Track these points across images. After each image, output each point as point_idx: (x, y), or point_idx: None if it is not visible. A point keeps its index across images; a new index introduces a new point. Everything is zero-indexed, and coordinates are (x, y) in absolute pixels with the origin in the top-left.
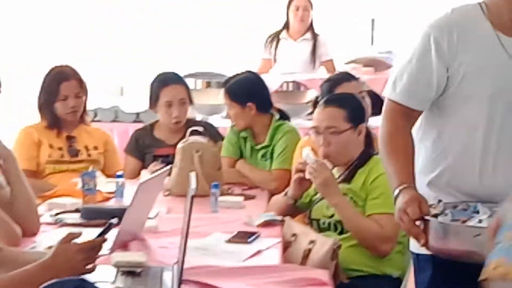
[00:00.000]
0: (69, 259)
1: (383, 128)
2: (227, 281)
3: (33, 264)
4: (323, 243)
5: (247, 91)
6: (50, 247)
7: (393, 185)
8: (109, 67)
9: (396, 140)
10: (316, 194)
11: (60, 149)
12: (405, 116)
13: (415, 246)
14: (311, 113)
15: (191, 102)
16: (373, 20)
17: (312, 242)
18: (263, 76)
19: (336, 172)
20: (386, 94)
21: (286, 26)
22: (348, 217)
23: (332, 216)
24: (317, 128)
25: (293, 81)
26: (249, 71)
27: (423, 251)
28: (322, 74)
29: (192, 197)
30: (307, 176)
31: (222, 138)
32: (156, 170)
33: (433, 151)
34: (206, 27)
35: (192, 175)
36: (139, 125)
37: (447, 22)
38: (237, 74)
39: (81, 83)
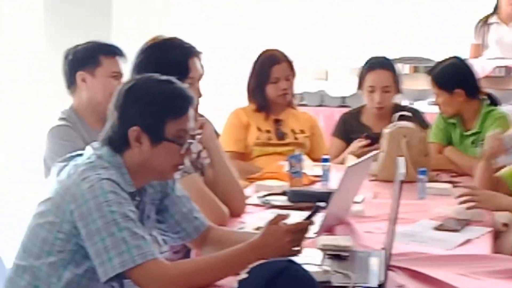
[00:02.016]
0: (277, 240)
1: None
2: (435, 269)
3: (242, 244)
4: None
5: (455, 77)
6: (258, 228)
7: None
8: (314, 50)
9: None
10: None
11: (267, 131)
12: None
13: None
14: None
15: (398, 90)
16: None
17: None
18: (473, 62)
19: None
20: None
21: (497, 10)
22: None
23: None
24: None
25: (505, 66)
26: (455, 57)
27: None
28: None
29: (401, 182)
30: None
31: (427, 125)
32: (363, 149)
33: None
34: (412, 11)
35: (401, 160)
36: (345, 110)
37: None
38: (443, 61)
39: (290, 66)
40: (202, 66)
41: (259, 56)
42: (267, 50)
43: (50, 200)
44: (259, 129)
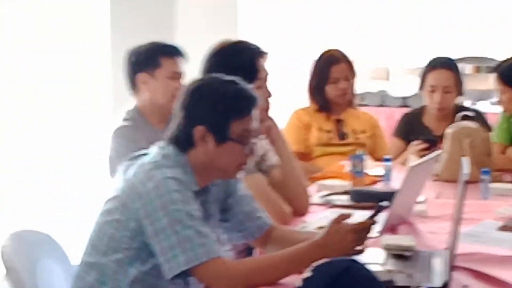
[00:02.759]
0: (340, 239)
1: None
2: (499, 270)
3: (305, 243)
4: None
5: None
6: (320, 228)
7: None
8: (376, 50)
9: None
10: None
11: (328, 132)
12: None
13: None
14: None
15: (459, 91)
16: None
17: None
18: None
19: None
20: None
21: None
22: None
23: None
24: None
25: None
26: None
27: None
28: None
29: (465, 182)
30: None
31: (489, 126)
32: (421, 151)
33: None
34: (475, 9)
35: (465, 160)
36: (406, 110)
37: None
38: (510, 58)
39: (350, 66)
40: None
41: (320, 56)
42: (328, 51)
43: (116, 198)
44: (320, 130)
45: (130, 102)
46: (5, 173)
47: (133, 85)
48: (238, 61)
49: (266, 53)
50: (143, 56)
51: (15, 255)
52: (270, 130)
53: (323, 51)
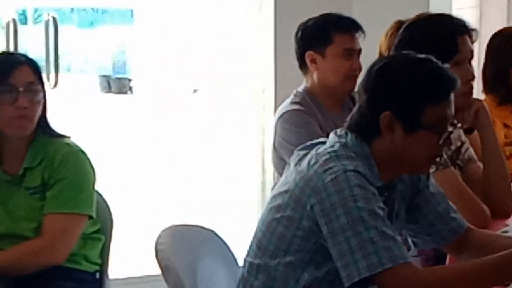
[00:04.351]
0: None
1: None
2: None
3: (508, 251)
4: None
5: None
6: None
7: None
8: None
9: None
10: None
11: None
12: None
13: None
14: None
15: None
16: None
17: None
18: None
19: None
20: None
21: None
22: None
23: None
24: None
25: None
26: None
27: None
28: None
29: None
30: None
31: None
32: None
33: None
34: None
35: None
36: None
37: None
38: None
39: None
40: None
41: (493, 37)
42: (505, 28)
43: (287, 193)
44: (506, 126)
45: (295, 83)
46: (167, 166)
47: (302, 63)
48: (434, 35)
49: (472, 30)
50: (312, 31)
51: (173, 253)
52: (477, 112)
53: (497, 30)
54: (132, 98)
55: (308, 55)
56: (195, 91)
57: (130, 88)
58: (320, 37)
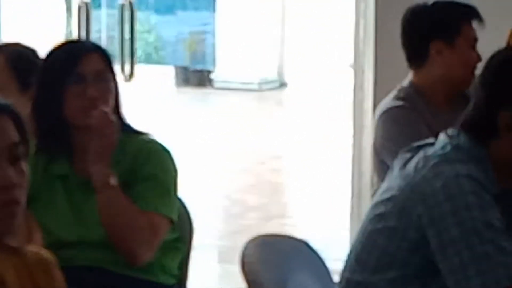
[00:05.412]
0: None
1: None
2: None
3: None
4: None
5: None
6: None
7: None
8: None
9: None
10: None
11: None
12: None
13: None
14: None
15: None
16: None
17: None
18: None
19: None
20: None
21: None
22: None
23: None
24: None
25: None
26: None
27: None
28: None
29: None
30: None
31: None
32: None
33: None
34: None
35: None
36: None
37: None
38: None
39: None
40: None
41: None
42: None
43: (391, 200)
44: None
45: (397, 78)
46: (249, 168)
47: (420, 54)
48: None
49: None
50: (440, 19)
51: (261, 266)
52: None
53: None
54: (213, 92)
55: (435, 45)
56: (282, 84)
57: (210, 81)
58: (449, 26)
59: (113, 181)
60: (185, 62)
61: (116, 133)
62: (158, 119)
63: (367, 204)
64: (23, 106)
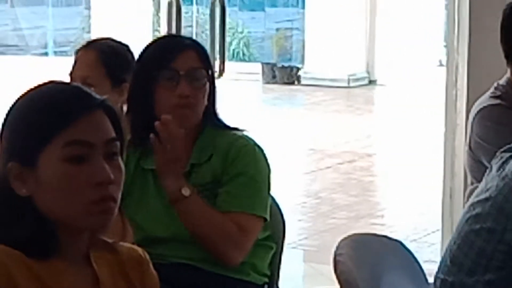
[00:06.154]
0: None
1: None
2: None
3: None
4: None
5: None
6: None
7: None
8: None
9: None
10: None
11: None
12: None
13: None
14: None
15: None
16: None
17: None
18: None
19: None
20: None
21: None
22: None
23: None
24: None
25: None
26: None
27: None
28: None
29: None
30: None
31: None
32: None
33: None
34: None
35: None
36: None
37: None
38: None
39: None
40: None
41: None
42: None
43: (489, 201)
44: None
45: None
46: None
47: None
48: None
49: None
50: None
51: (355, 265)
52: None
53: None
54: (300, 88)
55: None
56: (371, 81)
57: (298, 78)
58: None
59: (187, 192)
60: (273, 59)
61: (181, 145)
62: (246, 117)
63: (459, 205)
64: (115, 102)
